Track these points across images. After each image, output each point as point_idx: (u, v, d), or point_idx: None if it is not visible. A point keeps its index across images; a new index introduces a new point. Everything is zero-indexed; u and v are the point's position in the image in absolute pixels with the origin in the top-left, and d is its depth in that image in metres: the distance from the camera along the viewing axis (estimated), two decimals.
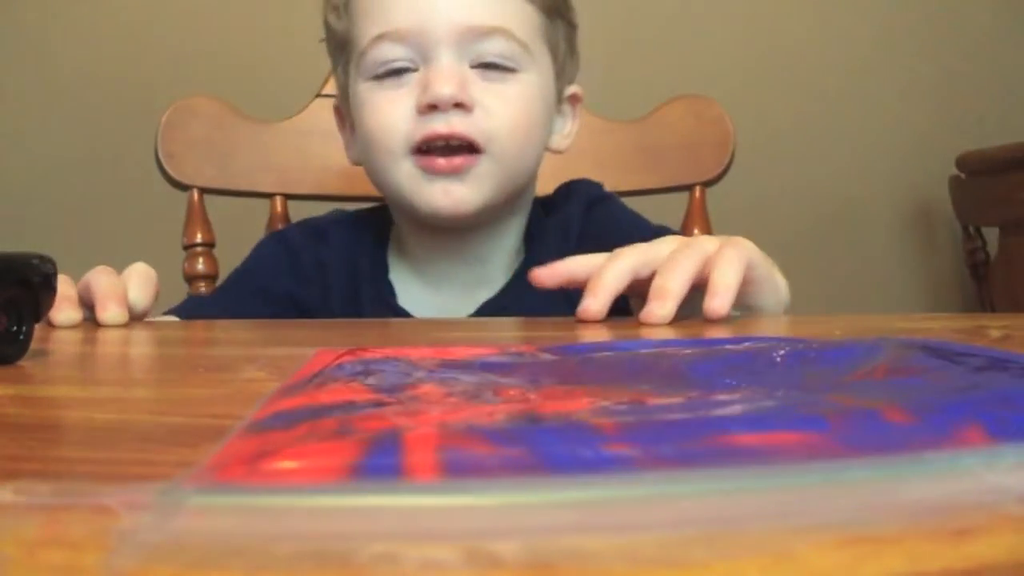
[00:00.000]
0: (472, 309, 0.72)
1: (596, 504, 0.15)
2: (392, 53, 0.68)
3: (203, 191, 0.95)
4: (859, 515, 0.14)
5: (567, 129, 0.78)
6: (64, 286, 0.48)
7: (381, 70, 0.69)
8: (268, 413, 0.21)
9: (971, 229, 1.53)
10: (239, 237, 0.89)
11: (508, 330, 0.47)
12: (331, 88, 0.95)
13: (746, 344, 0.33)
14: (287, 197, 0.97)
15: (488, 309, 0.72)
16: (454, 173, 0.67)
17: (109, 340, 0.45)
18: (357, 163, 0.76)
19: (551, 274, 0.55)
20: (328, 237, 0.78)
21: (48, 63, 1.44)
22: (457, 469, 0.16)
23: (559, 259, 0.67)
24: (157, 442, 0.20)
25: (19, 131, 1.44)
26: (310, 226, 0.81)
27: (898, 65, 1.61)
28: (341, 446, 0.18)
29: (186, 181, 0.94)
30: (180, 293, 0.83)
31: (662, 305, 0.48)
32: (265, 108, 1.00)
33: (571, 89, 0.78)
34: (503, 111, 0.68)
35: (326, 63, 0.81)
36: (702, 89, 1.01)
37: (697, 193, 0.97)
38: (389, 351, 0.31)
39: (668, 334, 0.44)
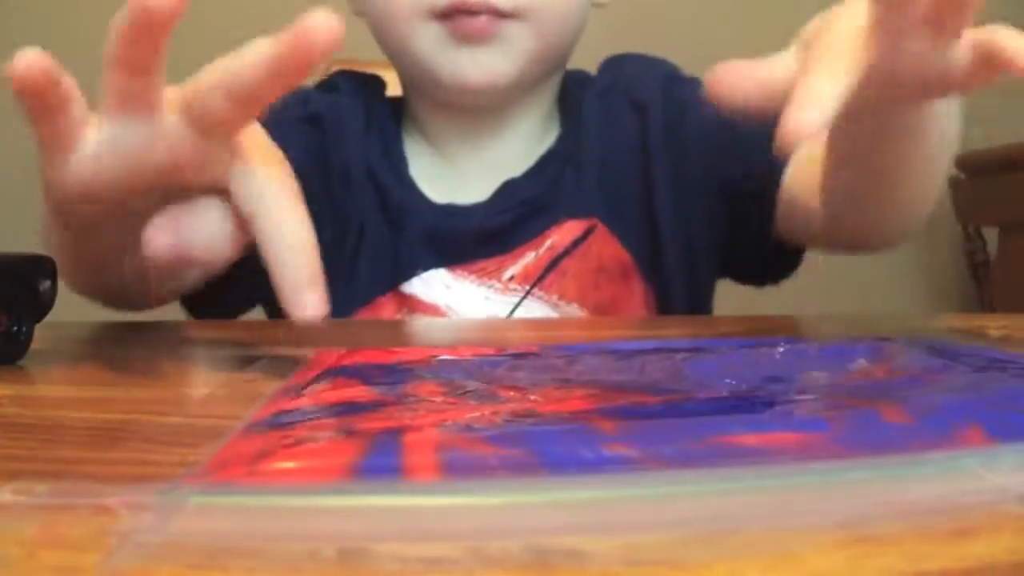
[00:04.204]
0: (490, 191, 0.62)
1: (596, 504, 0.15)
2: None
3: None
4: (859, 515, 0.14)
5: None
6: None
7: None
8: (268, 413, 0.21)
9: (971, 229, 1.53)
10: None
11: (509, 330, 0.47)
12: None
13: (746, 344, 0.33)
14: None
15: (508, 191, 0.62)
16: (482, 39, 0.56)
17: (109, 340, 0.45)
18: (360, 14, 0.65)
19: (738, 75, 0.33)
20: (339, 91, 0.67)
21: None
22: (457, 469, 0.16)
23: (609, 143, 0.60)
24: (157, 442, 0.20)
25: (18, 131, 1.44)
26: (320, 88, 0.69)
27: None
28: (341, 446, 0.18)
29: None
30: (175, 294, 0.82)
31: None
32: None
33: None
34: None
35: None
36: None
37: None
38: (389, 352, 0.31)
39: (668, 334, 0.44)
